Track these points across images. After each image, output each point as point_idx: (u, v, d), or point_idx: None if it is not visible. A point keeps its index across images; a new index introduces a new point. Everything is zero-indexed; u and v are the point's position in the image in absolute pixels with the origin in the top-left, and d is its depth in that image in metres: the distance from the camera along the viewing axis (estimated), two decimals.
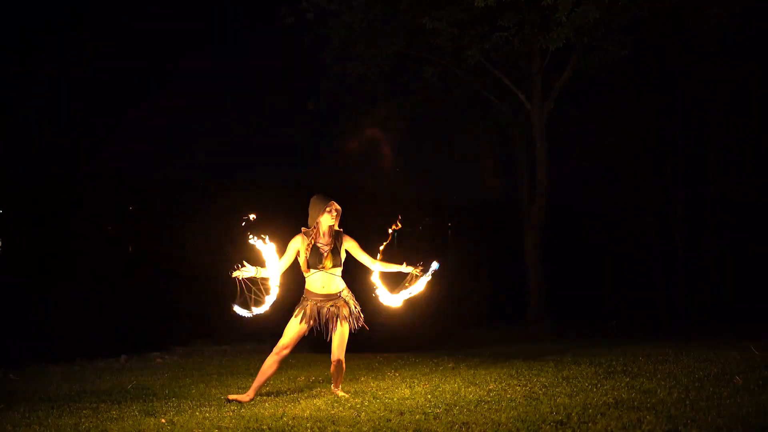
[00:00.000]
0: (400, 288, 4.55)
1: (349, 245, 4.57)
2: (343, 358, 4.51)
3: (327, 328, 4.49)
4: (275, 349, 4.48)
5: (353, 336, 4.65)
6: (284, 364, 6.23)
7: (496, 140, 13.16)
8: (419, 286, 4.55)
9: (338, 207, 4.53)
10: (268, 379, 4.64)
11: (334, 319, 4.48)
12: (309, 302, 4.51)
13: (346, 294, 4.58)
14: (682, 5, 9.20)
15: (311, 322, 4.48)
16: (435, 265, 4.49)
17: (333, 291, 4.52)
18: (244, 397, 4.49)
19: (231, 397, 4.49)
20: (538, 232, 10.79)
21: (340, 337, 4.48)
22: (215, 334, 8.69)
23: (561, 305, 11.88)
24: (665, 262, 14.09)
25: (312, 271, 4.49)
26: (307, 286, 4.55)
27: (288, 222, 4.73)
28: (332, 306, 4.50)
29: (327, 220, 4.48)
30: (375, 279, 4.58)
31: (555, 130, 11.59)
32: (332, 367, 4.58)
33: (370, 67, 10.33)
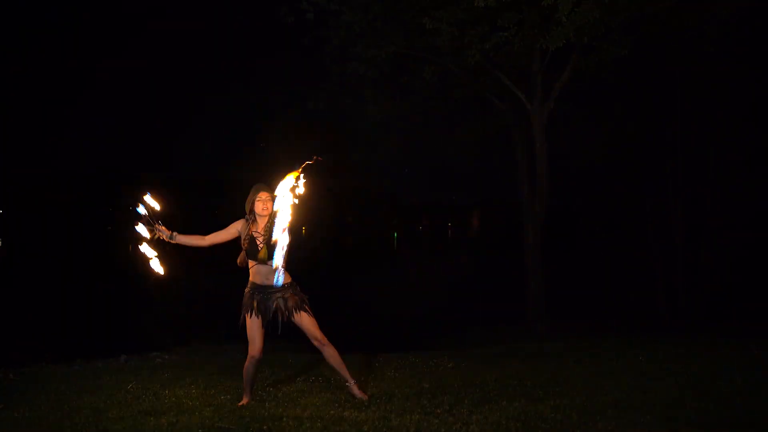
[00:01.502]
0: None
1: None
2: (326, 339, 4.37)
3: (276, 321, 4.33)
4: (248, 356, 4.36)
5: (353, 336, 4.64)
6: (283, 365, 6.24)
7: (496, 140, 13.15)
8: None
9: (268, 197, 4.36)
10: (254, 381, 4.56)
11: (285, 311, 4.32)
12: (256, 295, 4.36)
13: (292, 285, 4.39)
14: (683, 5, 9.18)
15: (260, 315, 4.33)
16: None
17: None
18: (245, 401, 4.44)
19: (240, 404, 4.40)
20: (538, 232, 10.78)
21: (307, 323, 4.34)
22: (215, 334, 8.68)
23: (561, 305, 11.88)
24: (665, 262, 14.08)
25: (252, 262, 4.35)
26: (251, 278, 4.40)
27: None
28: (280, 297, 4.34)
29: (258, 210, 4.37)
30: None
31: (555, 130, 11.57)
32: (325, 357, 4.43)
33: (370, 67, 10.31)
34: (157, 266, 4.38)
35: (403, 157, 13.03)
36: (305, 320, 4.34)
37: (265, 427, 3.73)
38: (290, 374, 5.68)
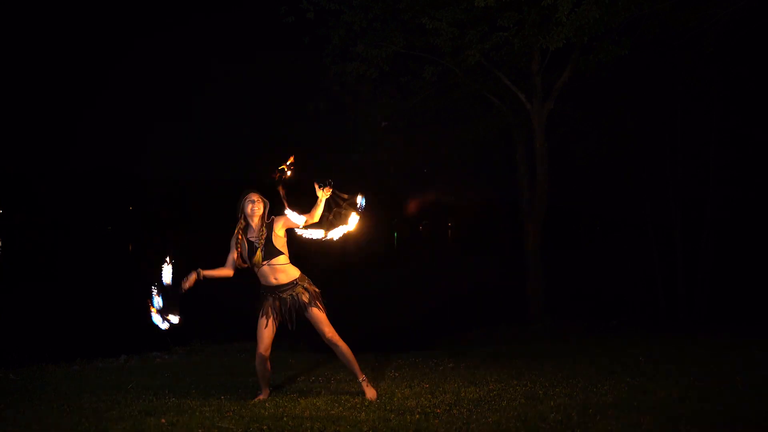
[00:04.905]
0: (328, 225, 4.35)
1: (281, 222, 4.40)
2: (337, 337, 4.39)
3: (293, 319, 4.38)
4: (257, 354, 4.42)
5: (354, 336, 4.64)
6: (283, 365, 6.24)
7: (496, 140, 13.14)
8: (350, 224, 4.35)
9: (258, 198, 4.43)
10: (269, 376, 4.59)
11: (298, 307, 4.37)
12: (268, 297, 4.43)
13: (303, 280, 4.44)
14: (682, 5, 9.17)
15: (276, 315, 4.39)
16: (361, 200, 4.33)
17: (286, 281, 4.40)
18: (263, 396, 4.52)
19: (253, 402, 4.45)
20: (538, 232, 10.78)
21: (317, 320, 4.37)
22: (215, 334, 8.67)
23: (561, 305, 11.88)
24: (665, 262, 14.08)
25: (255, 265, 4.39)
26: (260, 280, 4.46)
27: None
28: (292, 295, 4.38)
29: (249, 211, 4.41)
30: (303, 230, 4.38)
31: (555, 130, 11.56)
32: (336, 355, 4.46)
33: (370, 67, 10.31)
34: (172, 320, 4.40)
35: (403, 156, 12.98)
36: (315, 316, 4.38)
37: (264, 427, 3.73)
38: (290, 374, 5.68)
